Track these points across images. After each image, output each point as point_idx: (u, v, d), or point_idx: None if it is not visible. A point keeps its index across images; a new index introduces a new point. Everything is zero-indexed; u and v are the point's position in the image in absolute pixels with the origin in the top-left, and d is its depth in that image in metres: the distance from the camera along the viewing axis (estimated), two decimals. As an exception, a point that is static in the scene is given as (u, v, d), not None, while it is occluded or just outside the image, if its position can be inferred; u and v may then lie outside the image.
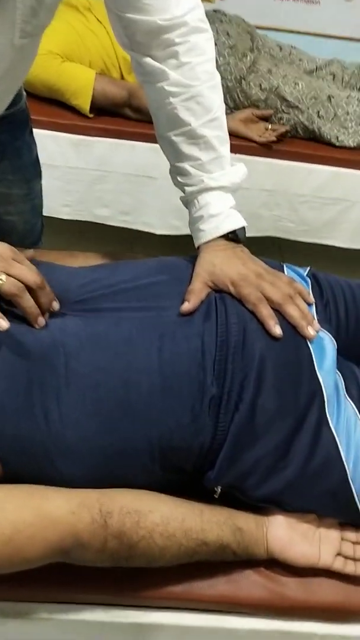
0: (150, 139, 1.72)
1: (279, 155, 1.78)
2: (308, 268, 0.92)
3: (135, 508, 0.65)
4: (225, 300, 0.76)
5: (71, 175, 1.76)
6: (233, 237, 0.81)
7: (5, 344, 0.67)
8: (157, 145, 1.80)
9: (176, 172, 0.83)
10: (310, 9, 2.21)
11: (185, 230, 2.01)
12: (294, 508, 0.74)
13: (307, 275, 0.90)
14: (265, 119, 1.81)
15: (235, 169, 0.82)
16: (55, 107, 1.68)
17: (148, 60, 0.76)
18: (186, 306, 0.73)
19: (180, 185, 0.83)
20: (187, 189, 0.81)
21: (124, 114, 1.72)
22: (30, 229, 1.13)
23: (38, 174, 1.10)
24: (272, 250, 2.13)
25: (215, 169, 0.79)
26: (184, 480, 0.73)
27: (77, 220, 1.88)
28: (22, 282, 0.65)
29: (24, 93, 1.00)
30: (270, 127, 1.78)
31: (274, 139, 1.75)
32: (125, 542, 0.63)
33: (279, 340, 0.73)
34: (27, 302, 0.66)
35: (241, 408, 0.69)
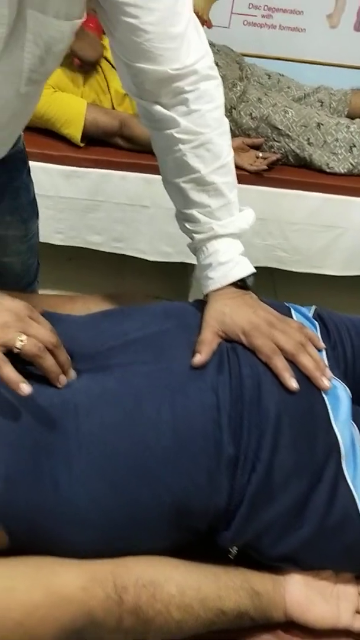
0: (142, 168, 1.73)
1: (271, 183, 1.79)
2: (313, 308, 0.91)
3: (151, 579, 0.62)
4: (237, 351, 0.74)
5: (63, 205, 1.75)
6: (242, 284, 0.79)
7: (11, 408, 0.64)
8: (149, 175, 1.80)
9: (184, 219, 0.81)
10: (295, 36, 2.23)
11: (177, 257, 2.01)
12: (311, 565, 0.71)
13: (313, 316, 0.89)
14: (256, 147, 1.82)
15: (244, 214, 0.80)
16: (46, 138, 1.67)
17: (157, 107, 0.74)
18: (198, 358, 0.71)
19: (189, 232, 0.81)
20: (196, 236, 0.79)
21: (116, 144, 1.72)
22: (26, 270, 1.11)
23: (35, 214, 1.08)
24: (264, 276, 2.13)
25: (225, 216, 0.78)
26: (197, 539, 0.70)
27: (65, 247, 1.87)
28: (40, 342, 0.63)
29: (22, 133, 0.98)
30: (261, 155, 1.79)
31: (265, 167, 1.75)
32: (142, 617, 0.60)
33: (294, 393, 0.71)
34: (49, 362, 0.64)
35: (258, 468, 0.67)
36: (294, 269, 1.91)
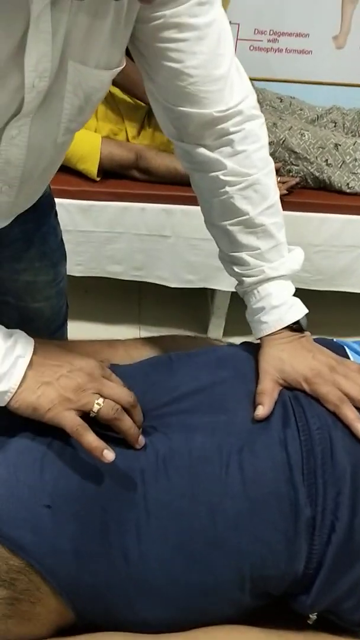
0: (162, 199, 1.70)
1: (291, 207, 1.76)
2: (361, 340, 0.87)
3: None
4: (300, 400, 0.70)
5: (82, 238, 1.73)
6: (297, 327, 0.75)
7: (74, 475, 0.60)
8: (169, 206, 1.77)
9: (231, 262, 0.78)
10: (302, 59, 2.22)
11: (199, 284, 1.97)
12: (394, 628, 0.67)
13: (363, 351, 0.85)
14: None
15: (293, 254, 0.77)
16: (61, 173, 1.63)
17: (201, 150, 0.72)
18: (261, 411, 0.67)
19: (237, 276, 0.77)
20: (246, 279, 0.76)
21: (132, 176, 1.70)
22: (56, 313, 1.07)
23: (63, 257, 1.05)
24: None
25: (275, 258, 0.75)
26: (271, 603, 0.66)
27: (82, 280, 1.84)
28: (117, 402, 0.60)
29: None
30: (279, 180, 1.76)
31: (285, 192, 1.72)
32: None
33: None
34: (127, 424, 0.60)
35: (338, 528, 0.62)
36: (316, 288, 1.88)
